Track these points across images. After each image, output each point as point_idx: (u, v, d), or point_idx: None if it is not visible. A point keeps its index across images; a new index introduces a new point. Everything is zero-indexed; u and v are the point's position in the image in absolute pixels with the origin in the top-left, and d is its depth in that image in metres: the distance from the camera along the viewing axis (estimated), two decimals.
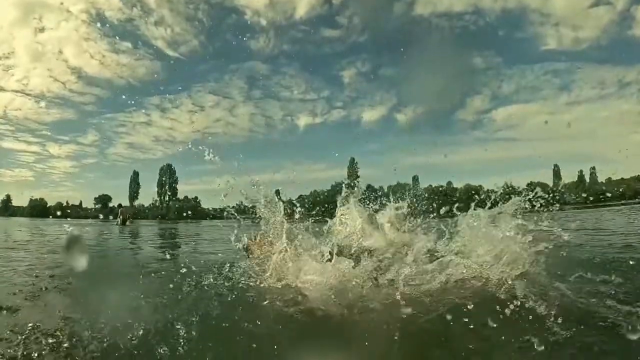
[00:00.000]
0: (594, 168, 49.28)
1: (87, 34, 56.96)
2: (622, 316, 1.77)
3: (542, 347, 1.49)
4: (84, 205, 67.44)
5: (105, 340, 1.77)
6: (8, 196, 67.53)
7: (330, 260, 2.67)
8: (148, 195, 67.23)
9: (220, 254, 4.36)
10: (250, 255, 3.11)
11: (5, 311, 2.26)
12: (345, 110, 65.89)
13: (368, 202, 3.52)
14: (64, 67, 59.99)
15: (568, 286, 2.11)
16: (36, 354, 1.64)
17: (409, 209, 3.60)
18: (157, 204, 63.75)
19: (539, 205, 2.85)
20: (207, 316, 2.03)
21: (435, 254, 2.80)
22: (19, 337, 1.79)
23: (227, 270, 2.79)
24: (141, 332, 1.78)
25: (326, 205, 3.48)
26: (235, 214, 3.15)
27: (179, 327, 1.84)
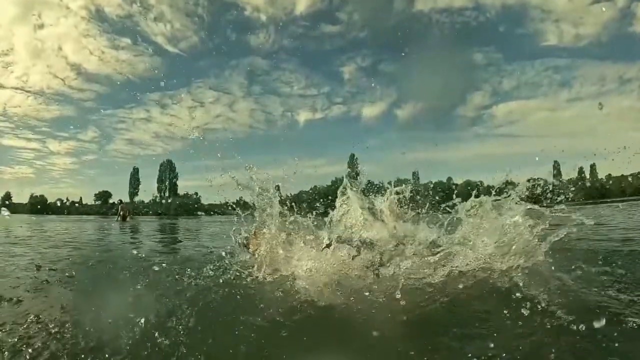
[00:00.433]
0: (594, 164, 49.38)
1: (87, 30, 56.75)
2: (624, 305, 1.79)
3: (545, 337, 1.50)
4: (84, 202, 67.54)
5: (104, 330, 1.80)
6: (8, 193, 67.62)
7: (328, 246, 2.64)
8: (148, 192, 67.26)
9: (218, 248, 4.36)
10: (250, 249, 3.10)
11: (7, 302, 2.29)
12: (345, 105, 65.87)
13: (368, 194, 3.50)
14: (64, 64, 59.82)
15: (570, 276, 2.12)
16: (39, 343, 1.66)
17: (411, 194, 3.57)
18: (157, 200, 63.77)
19: (545, 196, 2.84)
20: (191, 308, 2.01)
21: (438, 246, 2.77)
22: (21, 327, 1.82)
23: (219, 264, 2.76)
24: (140, 323, 1.79)
25: (329, 198, 3.45)
26: (236, 208, 3.12)
27: (173, 318, 1.85)
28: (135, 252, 4.97)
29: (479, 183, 3.16)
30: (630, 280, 2.16)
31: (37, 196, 66.72)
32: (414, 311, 1.89)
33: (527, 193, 2.81)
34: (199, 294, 2.24)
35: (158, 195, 65.31)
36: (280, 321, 1.86)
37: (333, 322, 1.89)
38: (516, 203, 2.74)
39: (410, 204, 3.53)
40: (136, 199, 64.82)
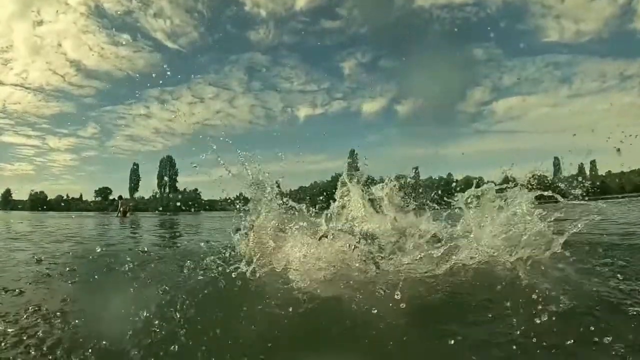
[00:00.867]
0: (594, 161, 49.27)
1: (86, 26, 56.51)
2: (626, 295, 1.80)
3: (547, 327, 1.51)
4: (84, 198, 67.61)
5: (103, 320, 1.83)
6: (8, 190, 67.62)
7: (325, 236, 2.61)
8: (148, 188, 67.29)
9: (218, 242, 4.36)
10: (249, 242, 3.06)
11: (10, 293, 2.31)
12: (346, 101, 65.73)
13: (369, 187, 3.47)
14: (63, 60, 59.59)
15: (573, 268, 2.12)
16: (40, 332, 1.67)
17: (412, 185, 3.56)
18: (157, 196, 63.79)
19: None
20: (190, 300, 1.99)
21: (440, 239, 2.76)
22: (23, 317, 1.84)
23: (219, 256, 2.75)
24: (139, 314, 1.80)
25: (327, 192, 3.43)
26: (237, 203, 3.10)
27: (172, 310, 1.85)
28: (135, 246, 4.99)
29: (478, 179, 3.15)
30: (631, 272, 2.16)
31: (37, 193, 66.78)
32: (415, 303, 1.87)
33: (533, 185, 2.81)
34: (196, 287, 2.23)
35: (158, 192, 65.38)
36: (278, 313, 1.85)
37: (331, 313, 1.86)
38: (523, 188, 2.72)
39: (412, 194, 3.52)
40: (136, 195, 64.88)
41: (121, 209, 19.40)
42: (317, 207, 3.15)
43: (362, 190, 3.18)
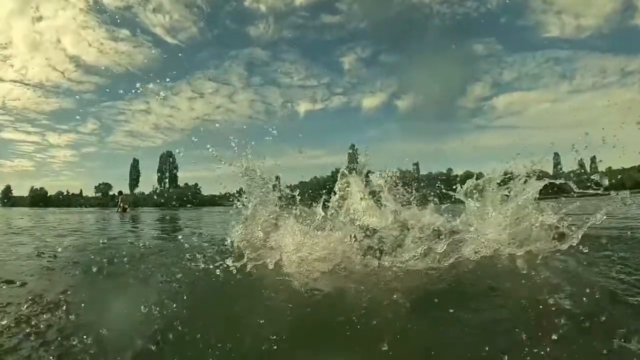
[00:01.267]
0: (594, 157, 49.12)
1: (85, 22, 56.20)
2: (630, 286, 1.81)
3: (550, 318, 1.51)
4: (84, 194, 67.63)
5: (103, 310, 1.85)
6: (8, 186, 67.61)
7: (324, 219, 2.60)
8: (148, 183, 67.32)
9: (217, 236, 4.37)
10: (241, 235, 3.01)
11: (12, 285, 2.34)
12: (346, 96, 65.54)
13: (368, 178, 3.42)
14: (63, 56, 59.37)
15: (574, 259, 2.13)
16: (41, 321, 1.69)
17: (413, 176, 3.54)
18: (157, 192, 63.81)
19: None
20: (188, 292, 2.01)
21: (444, 232, 2.74)
22: (24, 306, 1.86)
23: (219, 249, 2.74)
24: (138, 305, 1.81)
25: (331, 187, 3.39)
26: (238, 199, 3.09)
27: (170, 301, 1.85)
28: (135, 240, 4.99)
29: (478, 174, 3.13)
30: (632, 264, 2.16)
31: (37, 189, 66.74)
32: (416, 295, 1.86)
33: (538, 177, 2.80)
34: (192, 280, 2.22)
35: (158, 187, 65.37)
36: (271, 306, 1.85)
37: (325, 304, 1.86)
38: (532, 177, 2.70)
39: (414, 184, 3.50)
40: (136, 190, 64.90)
41: (121, 205, 19.45)
42: (318, 202, 3.12)
43: (363, 182, 3.15)
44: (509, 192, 2.87)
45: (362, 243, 2.57)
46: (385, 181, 3.26)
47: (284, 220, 2.80)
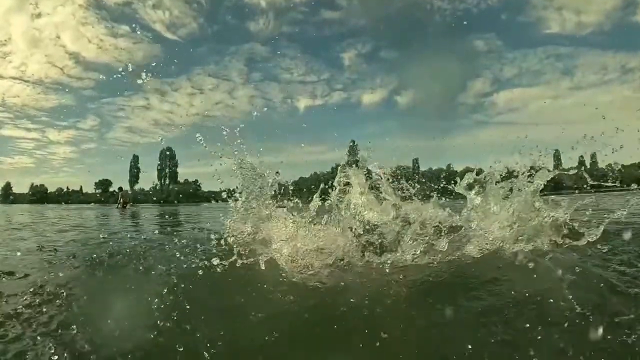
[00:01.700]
0: (594, 154, 49.07)
1: (85, 18, 55.91)
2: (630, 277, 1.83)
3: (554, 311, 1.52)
4: (84, 191, 67.65)
5: (103, 301, 1.87)
6: (8, 183, 67.61)
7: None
8: (148, 179, 67.28)
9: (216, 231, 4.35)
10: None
11: (13, 276, 2.40)
12: (346, 92, 65.38)
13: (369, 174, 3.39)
14: (62, 53, 59.06)
15: (576, 253, 2.13)
16: (42, 310, 1.71)
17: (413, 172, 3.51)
18: (157, 188, 63.86)
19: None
20: (186, 285, 1.99)
21: (445, 226, 2.71)
22: (26, 297, 1.90)
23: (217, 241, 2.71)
24: (134, 296, 1.85)
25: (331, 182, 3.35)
26: (231, 194, 3.03)
27: (169, 294, 1.86)
28: (136, 234, 5.01)
29: (478, 170, 3.11)
30: (632, 257, 2.17)
31: (37, 186, 66.76)
32: (417, 293, 1.83)
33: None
34: (189, 274, 2.22)
35: (158, 183, 65.39)
36: (265, 300, 1.85)
37: (328, 304, 1.80)
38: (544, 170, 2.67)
39: (415, 178, 3.47)
40: (136, 186, 64.93)
41: (121, 201, 19.47)
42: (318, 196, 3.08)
43: (364, 176, 3.11)
44: (512, 187, 2.84)
45: (361, 238, 2.53)
46: (384, 172, 3.22)
47: (276, 213, 2.76)
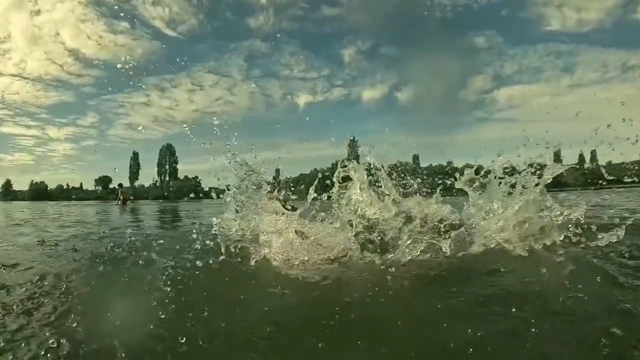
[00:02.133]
0: (594, 151, 49.09)
1: (84, 15, 55.72)
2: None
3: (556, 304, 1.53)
4: (84, 187, 67.65)
5: (102, 293, 1.90)
6: (8, 181, 67.55)
7: (294, 209, 2.53)
8: (148, 176, 67.28)
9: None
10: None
11: (16, 268, 2.44)
12: (346, 88, 65.18)
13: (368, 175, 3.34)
14: (62, 50, 58.93)
15: (576, 248, 2.13)
16: (43, 301, 1.73)
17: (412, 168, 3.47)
18: (157, 184, 63.79)
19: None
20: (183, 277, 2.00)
21: (448, 223, 2.67)
22: (29, 287, 1.94)
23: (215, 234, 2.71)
24: (134, 288, 1.88)
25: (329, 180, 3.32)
26: (222, 191, 3.00)
27: (166, 287, 1.87)
28: (136, 229, 5.02)
29: (478, 167, 3.08)
30: (633, 250, 2.17)
31: (37, 183, 66.69)
32: (417, 291, 1.82)
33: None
34: (191, 267, 2.22)
35: (158, 180, 65.32)
36: (254, 295, 1.84)
37: (326, 297, 1.79)
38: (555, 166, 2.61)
39: (416, 173, 3.46)
40: (136, 183, 64.91)
41: (121, 197, 19.49)
42: (317, 193, 3.03)
43: (366, 170, 3.07)
44: (515, 182, 2.78)
45: (361, 234, 2.48)
46: (382, 165, 3.17)
47: (268, 207, 2.73)
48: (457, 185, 3.01)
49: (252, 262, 2.26)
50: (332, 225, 2.51)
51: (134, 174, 65.77)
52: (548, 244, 2.34)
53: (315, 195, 2.71)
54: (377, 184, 3.12)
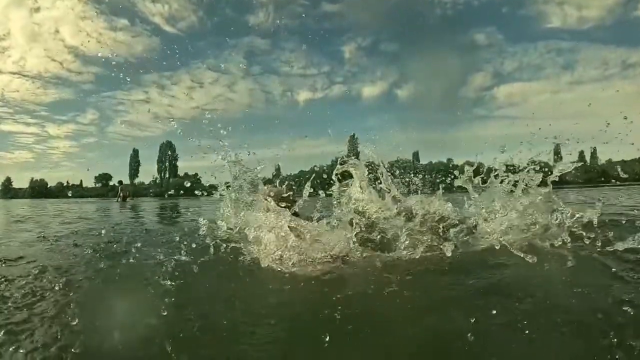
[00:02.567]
0: (594, 148, 49.00)
1: (84, 12, 55.49)
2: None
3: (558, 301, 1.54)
4: (84, 185, 67.58)
5: (101, 286, 1.92)
6: (8, 178, 67.49)
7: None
8: (148, 173, 67.23)
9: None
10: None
11: (21, 260, 2.51)
12: (346, 85, 64.99)
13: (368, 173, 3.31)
14: (61, 47, 58.74)
15: (577, 243, 2.13)
16: (45, 293, 1.75)
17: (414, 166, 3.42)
18: (157, 181, 63.77)
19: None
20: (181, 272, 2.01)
21: (451, 221, 2.63)
22: (32, 280, 1.98)
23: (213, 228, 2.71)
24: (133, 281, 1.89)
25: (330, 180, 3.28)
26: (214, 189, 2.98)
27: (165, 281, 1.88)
28: (136, 225, 5.03)
29: (479, 164, 3.06)
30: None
31: (37, 180, 66.62)
32: (416, 289, 1.81)
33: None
34: (192, 260, 2.22)
35: (158, 177, 65.29)
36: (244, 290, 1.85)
37: (324, 294, 1.76)
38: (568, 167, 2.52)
39: (418, 168, 3.43)
40: (136, 180, 64.89)
41: (121, 194, 19.50)
42: (317, 190, 3.00)
43: (367, 166, 3.04)
44: (517, 182, 2.72)
45: (361, 232, 2.41)
46: (382, 162, 3.13)
47: (260, 204, 2.67)
48: (458, 183, 2.97)
49: (244, 261, 2.23)
50: (329, 224, 2.46)
51: (133, 171, 65.72)
52: (556, 245, 2.28)
53: (311, 190, 2.65)
54: (377, 181, 3.12)
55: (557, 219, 2.40)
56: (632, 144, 3.05)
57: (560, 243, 2.26)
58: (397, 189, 3.12)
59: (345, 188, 2.98)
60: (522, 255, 1.96)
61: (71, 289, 1.84)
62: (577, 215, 2.34)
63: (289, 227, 2.32)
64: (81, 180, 68.26)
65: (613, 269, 1.83)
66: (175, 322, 1.46)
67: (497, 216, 2.67)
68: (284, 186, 2.89)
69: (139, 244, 2.73)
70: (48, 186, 66.56)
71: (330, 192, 2.91)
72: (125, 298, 1.76)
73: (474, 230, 2.62)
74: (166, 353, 1.24)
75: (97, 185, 66.68)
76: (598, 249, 2.13)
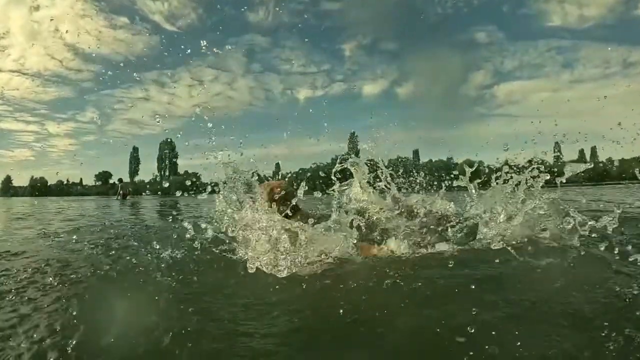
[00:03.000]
0: (594, 147, 48.86)
1: (83, 10, 55.29)
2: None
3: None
4: (84, 183, 67.50)
5: (100, 280, 1.93)
6: (8, 177, 67.39)
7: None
8: (148, 171, 67.18)
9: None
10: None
11: (24, 255, 2.57)
12: (346, 83, 64.81)
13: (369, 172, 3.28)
14: (61, 45, 58.59)
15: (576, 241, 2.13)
16: (46, 286, 1.79)
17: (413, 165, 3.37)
18: (157, 179, 63.74)
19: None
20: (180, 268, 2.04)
21: (453, 221, 2.60)
22: (34, 274, 2.02)
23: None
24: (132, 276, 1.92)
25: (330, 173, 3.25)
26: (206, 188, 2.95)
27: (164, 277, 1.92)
28: (136, 222, 5.05)
29: (478, 162, 3.03)
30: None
31: (37, 178, 66.53)
32: (416, 289, 1.82)
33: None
34: (192, 257, 2.25)
35: (158, 175, 65.28)
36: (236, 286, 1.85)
37: (322, 301, 1.72)
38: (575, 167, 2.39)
39: (416, 171, 3.41)
40: (136, 178, 64.83)
41: (121, 192, 19.54)
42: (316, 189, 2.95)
43: (367, 165, 2.99)
44: (519, 183, 2.67)
45: (361, 231, 2.37)
46: (382, 159, 3.08)
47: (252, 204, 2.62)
48: (460, 183, 2.92)
49: (244, 259, 2.21)
50: (327, 224, 2.39)
51: (133, 169, 65.66)
52: (561, 244, 2.23)
53: (306, 188, 2.60)
54: (377, 180, 3.10)
55: (569, 223, 2.26)
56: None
57: (566, 243, 2.23)
58: (398, 188, 3.09)
59: (346, 188, 2.94)
60: (522, 251, 1.96)
61: (71, 283, 1.86)
62: (590, 223, 2.21)
63: (283, 229, 2.21)
64: (81, 179, 68.22)
65: (614, 264, 1.84)
66: (175, 317, 1.46)
67: (499, 219, 2.60)
68: (285, 179, 2.86)
69: (135, 243, 2.74)
70: (48, 184, 66.50)
71: (330, 192, 2.88)
72: (125, 294, 1.76)
73: (474, 230, 2.60)
74: (166, 348, 1.25)
75: (97, 183, 66.62)
76: (600, 245, 2.13)
